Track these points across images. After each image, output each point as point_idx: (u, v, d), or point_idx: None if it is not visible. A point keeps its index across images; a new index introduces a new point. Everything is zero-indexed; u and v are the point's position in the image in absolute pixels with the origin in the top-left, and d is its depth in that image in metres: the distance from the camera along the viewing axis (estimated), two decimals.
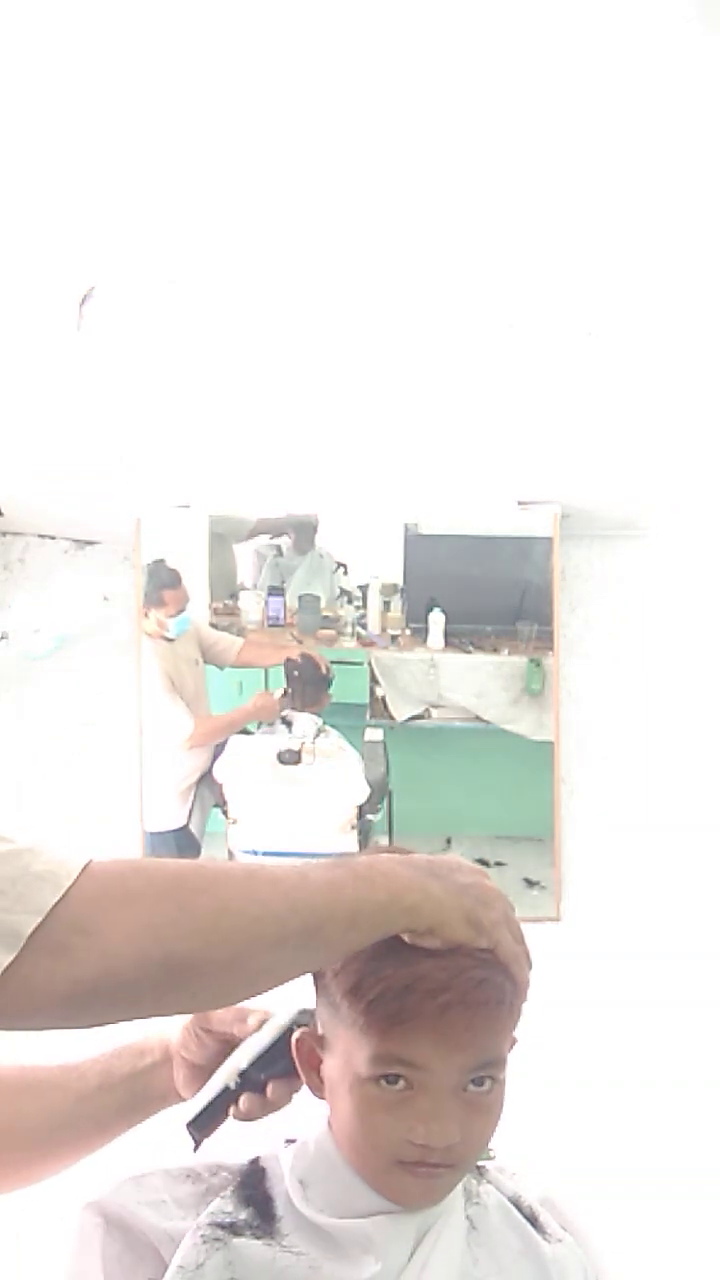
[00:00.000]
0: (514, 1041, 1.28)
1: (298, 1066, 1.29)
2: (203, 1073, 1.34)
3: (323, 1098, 1.28)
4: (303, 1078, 1.29)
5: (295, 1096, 1.31)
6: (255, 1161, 1.31)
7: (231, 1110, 1.31)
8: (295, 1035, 1.29)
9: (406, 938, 1.17)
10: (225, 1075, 1.31)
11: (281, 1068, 1.29)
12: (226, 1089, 1.31)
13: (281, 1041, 1.30)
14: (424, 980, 1.18)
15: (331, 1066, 1.25)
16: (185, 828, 2.54)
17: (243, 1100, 1.30)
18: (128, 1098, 1.37)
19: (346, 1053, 1.22)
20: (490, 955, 1.20)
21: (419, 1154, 1.20)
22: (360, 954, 1.18)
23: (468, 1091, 1.21)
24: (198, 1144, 1.33)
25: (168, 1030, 1.37)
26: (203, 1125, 1.32)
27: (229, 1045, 1.33)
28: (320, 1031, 1.27)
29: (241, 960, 1.09)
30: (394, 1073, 1.19)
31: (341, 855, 1.24)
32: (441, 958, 1.18)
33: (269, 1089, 1.30)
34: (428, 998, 1.18)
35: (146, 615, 2.52)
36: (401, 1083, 1.20)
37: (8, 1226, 2.21)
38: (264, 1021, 1.30)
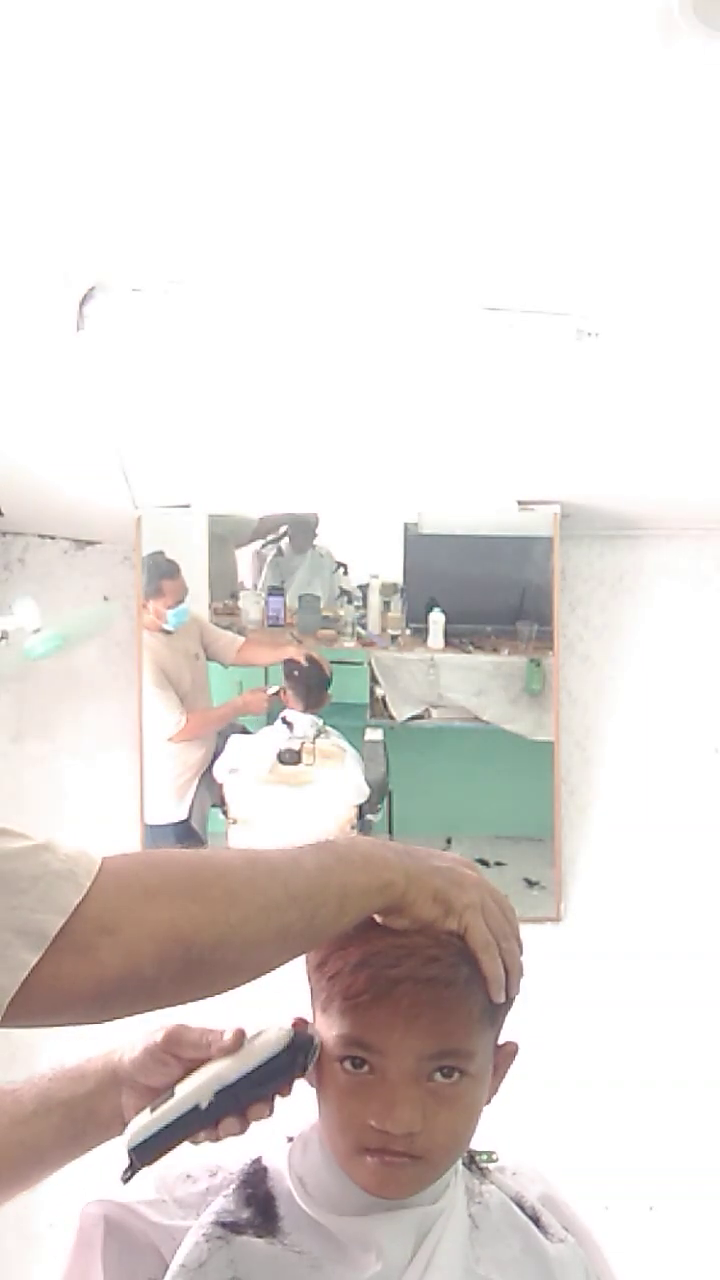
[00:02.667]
0: (515, 1049, 1.27)
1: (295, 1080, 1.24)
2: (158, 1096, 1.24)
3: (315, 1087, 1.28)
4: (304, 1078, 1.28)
5: (296, 1093, 1.30)
6: (257, 1160, 1.31)
7: (203, 1134, 1.20)
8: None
9: (379, 918, 1.18)
10: (195, 1094, 1.19)
11: (268, 1089, 1.21)
12: (196, 1108, 1.19)
13: (274, 1061, 1.20)
14: (379, 956, 1.18)
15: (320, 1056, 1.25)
16: (186, 822, 2.55)
17: (222, 1125, 1.19)
18: (67, 1125, 1.27)
19: (324, 1037, 1.23)
20: (458, 940, 1.19)
21: (381, 1140, 1.19)
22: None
23: (432, 1081, 1.20)
24: (134, 1172, 1.19)
25: (116, 1050, 1.27)
26: (152, 1149, 1.19)
27: (194, 1067, 1.24)
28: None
29: (251, 950, 1.10)
30: (356, 1055, 1.19)
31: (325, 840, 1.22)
32: (401, 936, 1.18)
33: (249, 1110, 1.21)
34: (380, 972, 1.18)
35: (146, 607, 2.52)
36: (365, 1067, 1.20)
37: (8, 1226, 2.21)
38: (242, 1038, 1.22)
